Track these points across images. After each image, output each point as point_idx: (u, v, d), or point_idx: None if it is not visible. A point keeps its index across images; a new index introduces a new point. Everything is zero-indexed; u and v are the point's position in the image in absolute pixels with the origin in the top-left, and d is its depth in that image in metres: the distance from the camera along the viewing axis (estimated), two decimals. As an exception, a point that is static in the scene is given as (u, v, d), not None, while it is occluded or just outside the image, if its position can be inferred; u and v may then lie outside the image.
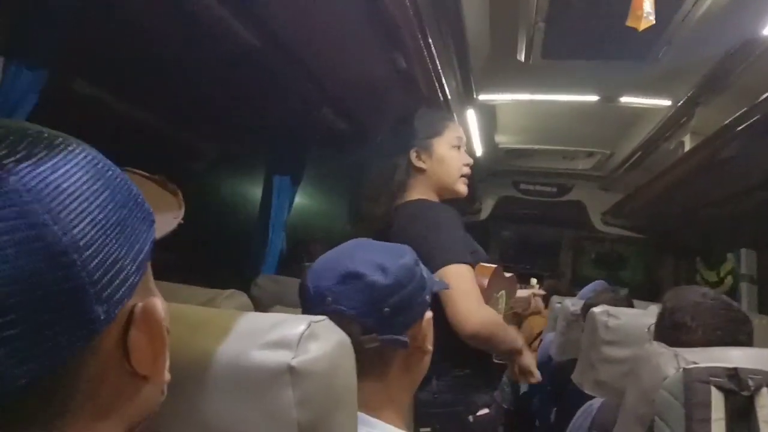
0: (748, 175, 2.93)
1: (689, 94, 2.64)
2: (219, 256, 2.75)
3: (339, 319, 0.75)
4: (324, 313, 0.80)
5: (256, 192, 2.91)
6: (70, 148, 0.43)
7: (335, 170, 3.36)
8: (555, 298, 3.50)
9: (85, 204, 0.41)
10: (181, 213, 0.60)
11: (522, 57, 2.63)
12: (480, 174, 4.67)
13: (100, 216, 0.41)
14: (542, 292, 2.24)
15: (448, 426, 1.48)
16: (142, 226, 0.46)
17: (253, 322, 0.70)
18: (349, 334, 0.77)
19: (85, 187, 0.41)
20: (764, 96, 2.07)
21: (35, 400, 0.39)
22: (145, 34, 1.63)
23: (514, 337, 1.61)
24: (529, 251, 6.47)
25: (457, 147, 1.70)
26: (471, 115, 3.16)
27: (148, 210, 0.49)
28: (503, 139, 4.22)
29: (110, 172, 0.45)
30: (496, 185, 5.47)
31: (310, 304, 0.88)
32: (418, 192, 1.65)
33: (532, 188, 5.46)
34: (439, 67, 2.16)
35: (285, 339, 0.66)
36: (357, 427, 0.74)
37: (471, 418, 1.51)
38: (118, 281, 0.42)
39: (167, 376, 0.52)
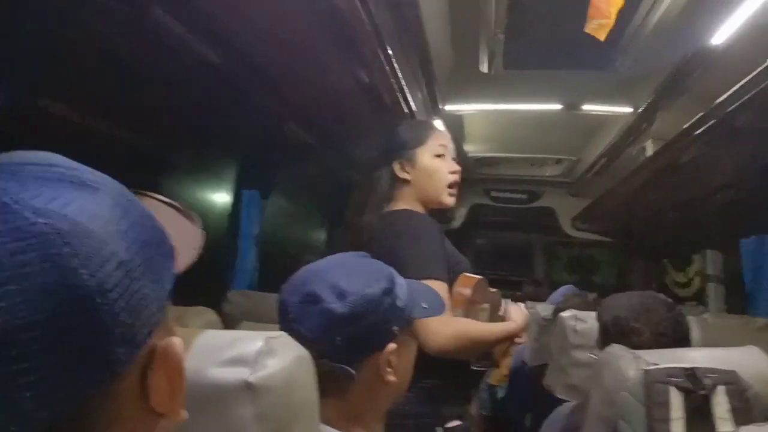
0: (709, 178, 3.00)
1: (649, 101, 2.70)
2: (191, 271, 2.73)
3: (297, 337, 0.76)
4: (287, 329, 0.83)
5: (225, 207, 2.90)
6: (96, 186, 0.42)
7: (306, 183, 3.37)
8: (528, 304, 3.53)
9: (113, 246, 0.40)
10: (200, 241, 0.60)
11: (485, 68, 2.67)
12: (452, 183, 4.70)
13: (127, 257, 0.41)
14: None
15: None
16: (165, 264, 0.46)
17: (212, 340, 0.71)
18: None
19: (113, 228, 0.41)
20: (719, 100, 2.13)
21: None
22: (107, 50, 1.62)
23: (491, 334, 1.56)
24: (503, 257, 6.54)
25: (442, 155, 1.68)
26: (439, 125, 3.20)
27: (171, 246, 0.48)
28: (472, 148, 4.26)
29: (137, 210, 0.45)
30: (467, 193, 5.51)
31: (279, 314, 0.89)
32: (404, 202, 1.64)
33: (503, 195, 5.51)
34: (402, 81, 2.18)
35: (242, 356, 0.68)
36: (318, 440, 0.75)
37: (440, 430, 1.50)
38: (140, 322, 0.41)
39: (184, 414, 0.51)
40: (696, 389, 1.16)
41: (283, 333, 0.74)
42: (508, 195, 5.50)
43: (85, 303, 0.37)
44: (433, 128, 1.75)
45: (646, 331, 1.38)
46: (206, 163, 2.72)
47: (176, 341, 0.47)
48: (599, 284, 6.18)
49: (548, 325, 2.65)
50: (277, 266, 3.19)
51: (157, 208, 0.50)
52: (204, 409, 0.66)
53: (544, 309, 2.85)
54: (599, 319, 1.48)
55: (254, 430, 0.66)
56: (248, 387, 0.66)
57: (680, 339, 1.39)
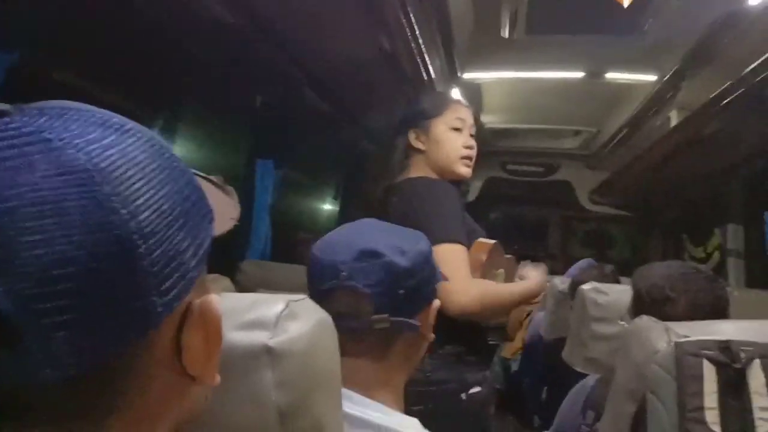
0: (733, 150, 2.94)
1: (675, 68, 2.62)
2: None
3: (351, 294, 0.79)
4: (335, 287, 0.84)
5: (239, 176, 2.87)
6: (139, 135, 0.42)
7: (321, 153, 3.33)
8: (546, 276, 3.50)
9: (152, 192, 0.40)
10: (237, 214, 0.60)
11: (506, 33, 2.60)
12: (467, 155, 4.66)
13: (166, 206, 0.40)
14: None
15: (440, 404, 1.47)
16: (203, 222, 0.45)
17: (231, 303, 0.67)
18: (361, 312, 0.81)
19: (152, 175, 0.40)
20: (748, 69, 2.06)
21: (85, 392, 0.38)
22: (119, 13, 1.58)
23: (512, 295, 1.61)
24: (518, 232, 6.49)
25: (458, 129, 1.67)
26: (456, 95, 3.13)
27: (209, 206, 0.48)
28: (489, 119, 4.20)
29: (176, 164, 0.44)
30: (482, 166, 5.42)
31: (319, 276, 0.88)
32: (419, 171, 1.64)
33: (519, 168, 5.45)
34: (423, 46, 2.13)
35: (262, 319, 0.64)
36: (340, 409, 0.72)
37: (464, 395, 1.50)
38: (178, 274, 0.40)
39: (218, 378, 0.50)
40: (731, 362, 1.11)
41: (304, 296, 0.70)
42: (524, 168, 5.44)
43: (124, 244, 0.37)
44: (452, 100, 1.75)
45: (682, 300, 1.32)
46: (221, 131, 2.68)
47: (214, 299, 0.46)
48: (615, 260, 6.12)
49: (565, 298, 2.61)
50: (289, 236, 3.18)
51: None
52: (223, 374, 0.62)
53: (561, 282, 2.81)
54: (633, 286, 1.42)
55: (274, 396, 0.62)
56: (268, 351, 0.62)
57: (718, 313, 1.32)
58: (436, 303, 0.96)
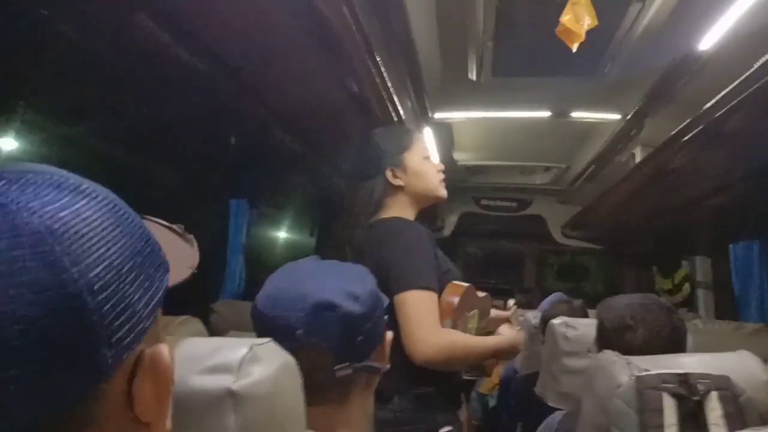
0: (698, 184, 3.01)
1: (637, 107, 2.71)
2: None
3: (311, 351, 0.76)
4: (293, 348, 0.77)
5: (213, 216, 2.88)
6: (93, 194, 0.44)
7: (294, 192, 3.35)
8: (518, 312, 3.52)
9: (103, 249, 0.41)
10: (196, 262, 0.62)
11: (473, 75, 2.67)
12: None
13: (117, 261, 0.42)
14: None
15: None
16: (156, 273, 0.47)
17: (195, 348, 0.69)
18: (321, 365, 0.80)
19: (105, 233, 0.42)
20: (707, 106, 2.14)
21: None
22: (90, 64, 1.61)
23: (480, 349, 1.57)
24: (494, 266, 6.53)
25: (427, 157, 1.69)
26: (428, 134, 3.19)
27: (163, 258, 0.50)
28: (461, 156, 4.26)
29: (129, 219, 0.46)
30: (457, 202, 5.52)
31: (271, 335, 0.81)
32: (394, 209, 1.64)
33: (493, 204, 5.52)
34: (392, 89, 2.17)
35: (226, 363, 0.66)
36: (303, 450, 0.73)
37: None
38: (129, 326, 0.42)
39: (169, 424, 0.51)
40: (689, 395, 1.15)
41: (269, 339, 0.71)
42: (497, 203, 5.51)
43: (74, 301, 0.38)
44: (413, 131, 1.77)
45: (640, 329, 1.36)
46: (194, 172, 2.70)
47: (164, 348, 0.48)
48: (590, 292, 6.18)
49: (537, 333, 2.64)
50: (264, 275, 3.18)
51: (155, 229, 0.52)
52: (186, 419, 0.64)
53: (534, 316, 2.84)
54: (597, 317, 1.47)
55: (237, 440, 0.63)
56: (231, 395, 0.63)
57: (675, 342, 1.37)
58: (389, 335, 0.96)
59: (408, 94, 2.53)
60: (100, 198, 0.45)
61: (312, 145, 2.61)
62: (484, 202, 5.52)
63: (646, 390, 1.16)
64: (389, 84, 2.12)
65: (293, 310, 0.85)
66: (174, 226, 0.64)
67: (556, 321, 2.06)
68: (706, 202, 3.19)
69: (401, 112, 2.41)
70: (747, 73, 1.82)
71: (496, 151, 4.19)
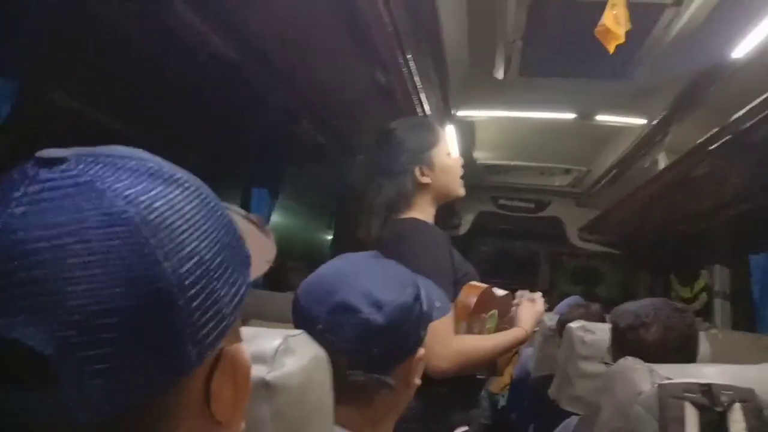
0: (720, 192, 2.99)
1: (664, 113, 2.68)
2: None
3: (327, 348, 0.73)
4: (315, 338, 0.77)
5: (234, 204, 2.90)
6: (186, 185, 0.43)
7: (316, 184, 3.36)
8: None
9: (195, 243, 0.41)
10: (273, 255, 0.61)
11: (500, 74, 2.66)
12: (459, 189, 4.70)
13: (207, 256, 0.41)
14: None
15: None
16: (241, 268, 0.46)
17: (229, 337, 0.70)
18: (336, 364, 0.76)
19: (197, 225, 0.42)
20: (735, 116, 2.12)
21: None
22: (123, 46, 1.62)
23: (494, 350, 1.54)
24: (509, 266, 6.51)
25: (449, 153, 1.66)
26: (450, 131, 3.19)
27: (247, 252, 0.49)
28: (482, 155, 4.25)
29: (219, 211, 0.45)
30: (475, 200, 5.51)
31: (300, 322, 0.85)
32: (417, 208, 1.60)
33: (511, 204, 5.50)
34: (418, 83, 2.17)
35: (260, 353, 0.66)
36: (332, 441, 0.73)
37: None
38: (213, 323, 0.41)
39: (244, 425, 0.50)
40: (712, 406, 1.14)
41: (301, 331, 0.72)
42: (515, 203, 5.49)
43: (163, 296, 0.38)
44: (438, 127, 1.74)
45: (654, 325, 1.37)
46: (217, 160, 2.71)
47: (244, 347, 0.48)
48: (604, 296, 6.15)
49: (553, 336, 2.63)
50: (284, 265, 3.19)
51: (234, 219, 0.51)
52: (220, 407, 0.64)
53: (549, 318, 2.83)
54: (611, 321, 1.49)
55: (269, 429, 0.64)
56: (265, 386, 0.64)
57: (688, 342, 1.38)
58: (421, 352, 0.90)
59: (433, 89, 2.52)
60: (192, 188, 0.44)
61: (335, 136, 2.62)
62: (501, 201, 5.51)
63: (668, 398, 1.16)
64: (416, 79, 2.11)
65: (317, 305, 0.84)
66: (251, 216, 0.62)
67: (573, 325, 2.06)
68: (727, 211, 3.16)
69: (425, 107, 2.41)
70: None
71: (517, 151, 4.18)
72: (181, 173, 0.44)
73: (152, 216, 0.39)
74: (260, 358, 0.66)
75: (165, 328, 0.38)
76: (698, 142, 2.45)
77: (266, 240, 0.62)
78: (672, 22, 2.05)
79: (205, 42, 1.64)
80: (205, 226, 0.42)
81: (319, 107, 2.30)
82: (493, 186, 5.19)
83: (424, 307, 0.90)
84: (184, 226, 0.41)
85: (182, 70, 1.84)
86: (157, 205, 0.40)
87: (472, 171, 4.47)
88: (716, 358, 1.87)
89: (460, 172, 1.68)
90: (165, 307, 0.38)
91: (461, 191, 1.69)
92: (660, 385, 1.17)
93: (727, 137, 2.25)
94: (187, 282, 0.39)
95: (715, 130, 2.29)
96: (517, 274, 6.24)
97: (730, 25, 1.85)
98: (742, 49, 1.89)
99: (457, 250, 1.63)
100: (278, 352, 0.66)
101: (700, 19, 1.98)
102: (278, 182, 2.89)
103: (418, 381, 0.93)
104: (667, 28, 2.09)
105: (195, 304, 0.40)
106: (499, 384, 4.09)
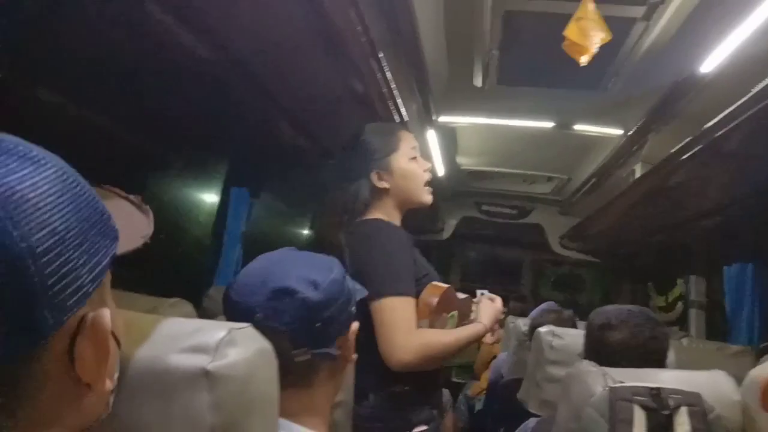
0: (696, 202, 3.03)
1: (639, 124, 2.72)
2: (172, 266, 2.73)
3: (269, 334, 0.77)
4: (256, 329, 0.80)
5: (213, 203, 2.91)
6: (42, 162, 0.46)
7: (295, 184, 3.38)
8: (510, 318, 3.56)
9: (47, 215, 0.43)
10: (149, 232, 0.63)
11: (479, 82, 2.69)
12: (443, 194, 4.73)
13: (62, 227, 0.44)
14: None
15: None
16: (103, 241, 0.49)
17: (175, 328, 0.72)
18: (280, 349, 0.80)
19: (50, 199, 0.44)
20: (707, 126, 2.16)
21: None
22: (101, 43, 1.63)
23: (455, 344, 1.55)
24: (491, 271, 6.56)
25: (414, 158, 1.67)
26: (432, 136, 3.22)
27: (113, 226, 0.52)
28: (465, 161, 4.28)
29: (78, 188, 0.48)
30: (458, 205, 5.54)
31: (237, 318, 0.86)
32: (379, 211, 1.63)
33: (493, 210, 5.53)
34: (395, 90, 2.19)
35: (204, 344, 0.68)
36: (275, 433, 0.75)
37: None
38: (71, 290, 0.44)
39: (110, 385, 0.54)
40: (660, 409, 1.18)
41: (248, 324, 0.74)
42: (498, 209, 5.52)
43: (15, 264, 0.40)
44: (401, 131, 1.73)
45: (620, 328, 1.45)
46: (196, 160, 2.73)
47: (106, 312, 0.50)
48: (585, 304, 6.21)
49: (526, 340, 2.67)
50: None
51: (111, 199, 0.54)
52: (160, 395, 0.66)
53: (524, 324, 2.87)
54: (588, 319, 1.58)
55: (208, 418, 0.66)
56: (206, 375, 0.66)
57: (653, 350, 1.43)
58: (355, 325, 0.98)
59: (413, 96, 2.55)
60: (48, 165, 0.46)
61: (314, 140, 2.64)
62: (484, 207, 5.54)
63: (618, 401, 1.19)
64: (393, 85, 2.14)
65: (255, 295, 0.88)
66: (131, 197, 0.66)
67: (542, 329, 2.09)
68: (702, 221, 3.20)
69: (404, 113, 2.43)
70: (746, 96, 1.84)
71: (499, 158, 4.20)
72: (38, 151, 0.47)
73: (2, 189, 0.41)
74: (203, 349, 0.68)
75: (17, 294, 0.41)
76: (672, 151, 2.49)
77: (145, 218, 0.65)
78: (643, 35, 2.09)
79: (181, 43, 1.65)
80: (60, 200, 0.45)
81: (298, 111, 2.32)
82: (476, 191, 5.22)
83: (349, 284, 0.99)
84: (35, 200, 0.43)
85: (164, 72, 1.85)
86: (7, 179, 0.42)
87: (455, 176, 4.52)
88: (681, 366, 1.91)
89: (424, 178, 1.69)
90: (17, 274, 0.40)
91: (426, 198, 1.70)
92: (611, 388, 1.21)
93: (699, 147, 2.30)
94: (38, 250, 0.42)
95: (688, 139, 2.33)
96: (499, 281, 6.29)
97: (698, 41, 1.89)
98: (710, 63, 1.93)
99: (436, 254, 1.65)
100: (221, 343, 0.68)
101: (671, 32, 2.03)
102: (258, 182, 2.91)
103: (353, 356, 1.00)
104: (639, 41, 2.13)
105: (48, 270, 0.42)
106: (475, 389, 4.13)
